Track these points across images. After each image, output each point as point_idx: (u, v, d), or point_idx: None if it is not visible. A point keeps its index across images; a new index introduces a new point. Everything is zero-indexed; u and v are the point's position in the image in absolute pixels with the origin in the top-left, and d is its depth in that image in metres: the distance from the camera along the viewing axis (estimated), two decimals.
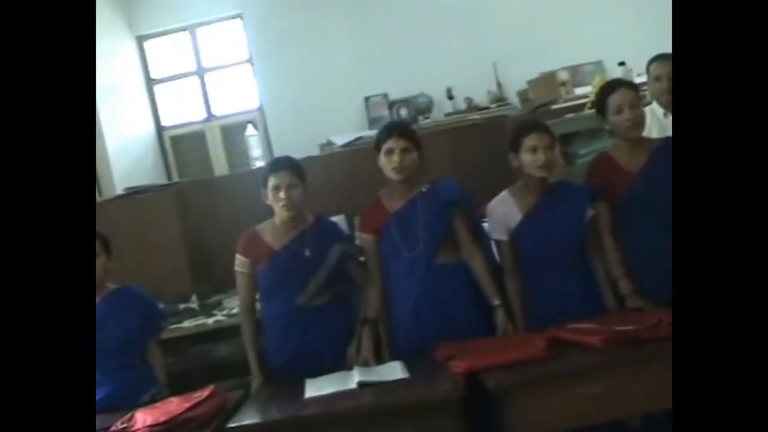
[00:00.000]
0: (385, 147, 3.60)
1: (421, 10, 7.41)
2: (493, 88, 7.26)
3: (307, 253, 3.61)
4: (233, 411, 3.22)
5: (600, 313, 3.52)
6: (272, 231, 3.68)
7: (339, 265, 3.68)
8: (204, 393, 3.24)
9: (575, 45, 7.02)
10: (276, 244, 3.64)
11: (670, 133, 4.17)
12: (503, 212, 3.66)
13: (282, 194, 3.56)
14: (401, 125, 3.97)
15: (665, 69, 4.43)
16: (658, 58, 4.48)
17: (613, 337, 3.04)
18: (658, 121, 4.37)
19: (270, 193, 3.60)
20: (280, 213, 3.62)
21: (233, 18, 7.80)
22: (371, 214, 3.73)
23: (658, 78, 4.42)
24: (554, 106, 5.65)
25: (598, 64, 6.92)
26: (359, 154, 5.59)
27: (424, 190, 3.65)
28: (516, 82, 6.68)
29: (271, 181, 3.59)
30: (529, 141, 3.55)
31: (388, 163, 3.60)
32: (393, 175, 3.61)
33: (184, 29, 7.91)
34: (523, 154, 3.58)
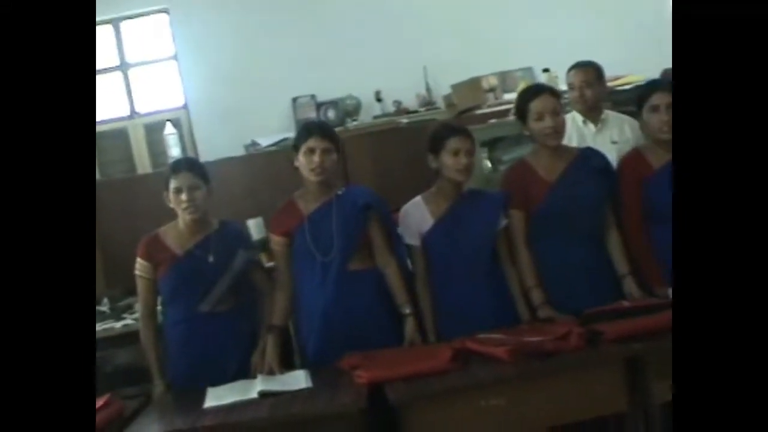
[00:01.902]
0: (304, 147, 3.50)
1: (352, 11, 7.33)
2: (422, 91, 7.19)
3: (211, 258, 3.50)
4: (129, 420, 3.13)
5: (512, 323, 3.47)
6: (175, 235, 3.55)
7: (243, 272, 3.57)
8: (98, 402, 3.11)
9: (507, 51, 6.99)
10: (178, 248, 3.52)
11: (590, 142, 4.16)
12: (416, 217, 3.59)
13: (184, 197, 3.43)
14: (322, 125, 3.89)
15: (590, 75, 4.42)
16: (582, 65, 4.46)
17: (518, 348, 3.00)
18: (578, 130, 4.35)
19: (171, 196, 3.48)
20: (183, 216, 3.49)
21: (159, 12, 7.61)
22: (284, 216, 3.62)
23: (585, 84, 4.41)
24: (479, 112, 5.63)
25: (528, 71, 6.90)
26: (284, 155, 5.49)
27: (339, 193, 3.56)
28: (446, 86, 6.63)
29: (173, 183, 3.47)
30: (452, 144, 3.49)
31: (307, 164, 3.49)
32: (311, 176, 3.51)
33: (107, 22, 7.68)
34: (444, 156, 3.51)
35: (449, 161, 3.48)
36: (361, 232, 3.55)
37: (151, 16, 7.71)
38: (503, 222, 3.57)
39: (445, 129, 3.61)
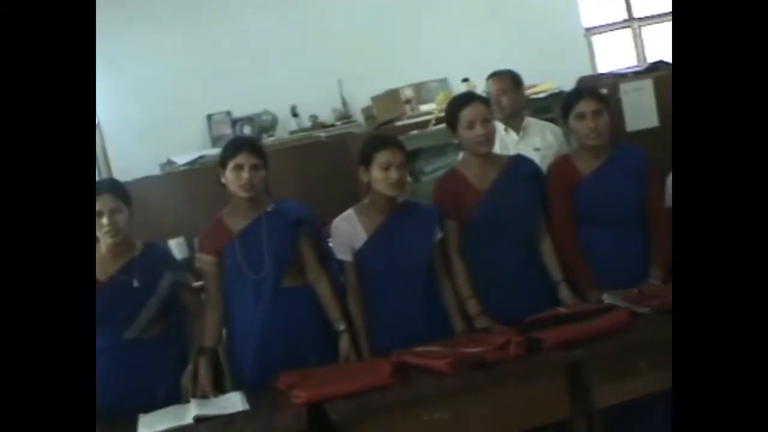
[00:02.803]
0: (232, 163, 3.39)
1: (264, 26, 7.25)
2: (338, 105, 7.15)
3: (136, 283, 3.35)
4: None
5: (448, 334, 3.44)
6: (97, 260, 3.38)
7: (171, 295, 3.44)
8: None
9: (421, 62, 7.01)
10: (101, 274, 3.34)
11: (512, 150, 4.18)
12: (347, 232, 3.52)
13: (105, 220, 3.24)
14: (251, 141, 3.80)
15: (509, 83, 4.45)
16: (501, 74, 4.50)
17: (458, 360, 2.97)
18: (500, 138, 4.36)
19: None
20: (104, 240, 3.33)
21: None
22: (212, 234, 3.52)
23: (503, 92, 4.45)
24: (398, 123, 5.63)
25: (443, 82, 6.92)
26: (201, 173, 5.45)
27: (269, 209, 3.47)
28: (361, 99, 6.61)
29: None
30: (382, 157, 3.40)
31: (235, 180, 3.39)
32: (240, 193, 3.41)
33: None
34: (374, 170, 3.42)
35: (380, 175, 3.41)
36: (293, 248, 3.47)
37: None
38: (438, 234, 3.54)
39: (375, 142, 3.53)
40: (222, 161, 3.45)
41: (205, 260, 3.50)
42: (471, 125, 3.53)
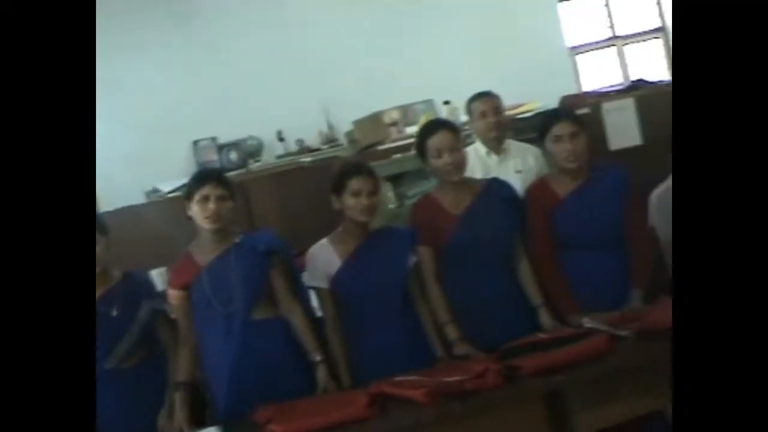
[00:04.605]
0: (198, 194, 3.36)
1: (250, 51, 7.26)
2: (325, 129, 7.15)
3: (114, 312, 3.33)
4: None
5: (428, 362, 3.40)
6: None
7: (150, 324, 3.42)
8: None
9: (407, 84, 6.99)
10: None
11: (494, 172, 4.15)
12: (323, 259, 3.50)
13: None
14: (216, 172, 3.80)
15: (489, 105, 4.42)
16: (481, 96, 4.47)
17: (437, 390, 2.92)
18: (481, 161, 4.34)
19: None
20: None
21: None
22: (180, 268, 3.48)
23: (483, 114, 4.40)
24: (382, 147, 5.59)
25: (429, 103, 6.89)
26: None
27: (237, 241, 3.44)
28: (347, 122, 6.59)
29: None
30: (353, 184, 3.41)
31: (201, 212, 3.35)
32: (207, 225, 3.38)
33: None
34: (346, 197, 3.42)
35: (351, 202, 3.41)
36: (263, 280, 3.43)
37: None
38: (413, 259, 3.51)
39: (346, 169, 3.53)
40: (188, 194, 3.42)
41: (173, 295, 3.46)
42: (439, 154, 3.52)
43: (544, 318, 3.53)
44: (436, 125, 3.70)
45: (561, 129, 3.60)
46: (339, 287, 3.47)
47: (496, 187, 3.69)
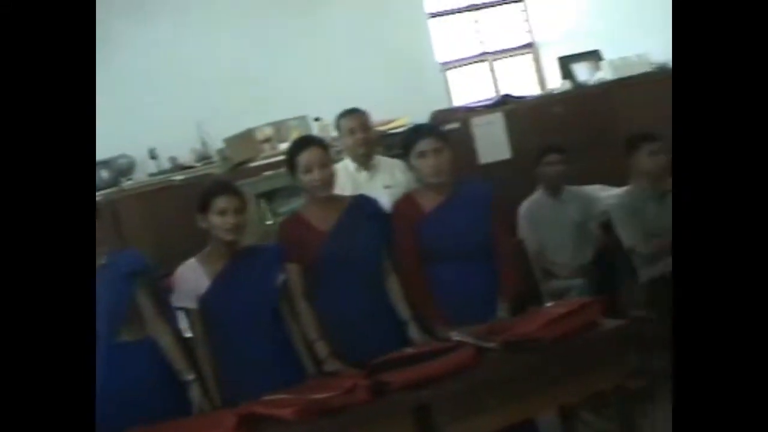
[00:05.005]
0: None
1: (120, 67, 7.09)
2: (198, 146, 7.04)
3: None
4: None
5: (299, 379, 3.37)
6: None
7: None
8: None
9: (281, 100, 6.95)
10: None
11: (363, 189, 4.16)
12: (191, 279, 3.45)
13: None
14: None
15: (357, 121, 4.44)
16: (349, 112, 4.48)
17: (305, 407, 2.88)
18: (351, 178, 4.35)
19: None
20: None
21: None
22: None
23: (352, 131, 4.42)
24: (254, 164, 5.56)
25: (302, 119, 6.87)
26: None
27: (103, 262, 3.35)
28: (221, 139, 6.52)
29: None
30: (219, 203, 3.39)
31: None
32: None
33: None
34: (211, 216, 3.39)
35: (217, 221, 3.39)
36: (127, 302, 3.34)
37: None
38: (281, 277, 3.49)
39: (210, 188, 3.51)
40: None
41: None
42: (308, 170, 3.53)
43: (413, 332, 3.56)
44: (305, 142, 3.71)
45: (425, 145, 3.64)
46: (208, 306, 3.43)
47: (362, 203, 3.71)
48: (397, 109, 5.94)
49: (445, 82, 7.80)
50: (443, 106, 6.82)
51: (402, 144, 3.83)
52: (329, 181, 3.58)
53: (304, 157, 3.54)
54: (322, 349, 3.46)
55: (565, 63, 6.69)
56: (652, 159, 4.55)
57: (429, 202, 3.68)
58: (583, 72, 6.57)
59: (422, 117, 5.67)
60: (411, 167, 3.76)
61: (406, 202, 3.76)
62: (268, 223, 5.12)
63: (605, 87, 6.22)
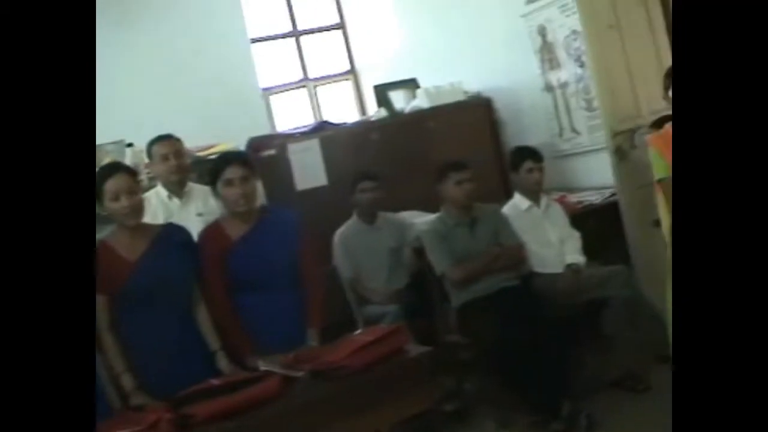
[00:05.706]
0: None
1: None
2: None
3: None
4: None
5: (104, 415, 3.27)
6: None
7: None
8: None
9: (100, 124, 6.75)
10: None
11: (176, 216, 4.12)
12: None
13: None
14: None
15: (170, 148, 4.39)
16: (161, 139, 4.43)
17: None
18: (163, 205, 4.29)
19: None
20: None
21: None
22: None
23: (165, 157, 4.36)
24: None
25: (120, 144, 6.71)
26: None
27: None
28: None
29: None
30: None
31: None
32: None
33: None
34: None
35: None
36: None
37: None
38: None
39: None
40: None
41: None
42: (115, 197, 3.44)
43: (222, 362, 3.53)
44: (112, 168, 3.63)
45: (232, 173, 3.65)
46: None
47: (171, 232, 3.66)
48: (219, 135, 5.90)
49: (268, 107, 7.80)
50: (265, 131, 6.80)
51: (209, 172, 3.81)
52: (137, 209, 3.51)
53: (112, 184, 3.44)
54: (127, 381, 3.39)
55: (382, 91, 6.78)
56: (459, 188, 4.69)
57: (235, 230, 3.68)
58: (400, 100, 6.69)
59: (243, 142, 5.66)
60: (218, 195, 3.75)
61: (213, 230, 3.75)
62: None
63: (419, 115, 6.37)
